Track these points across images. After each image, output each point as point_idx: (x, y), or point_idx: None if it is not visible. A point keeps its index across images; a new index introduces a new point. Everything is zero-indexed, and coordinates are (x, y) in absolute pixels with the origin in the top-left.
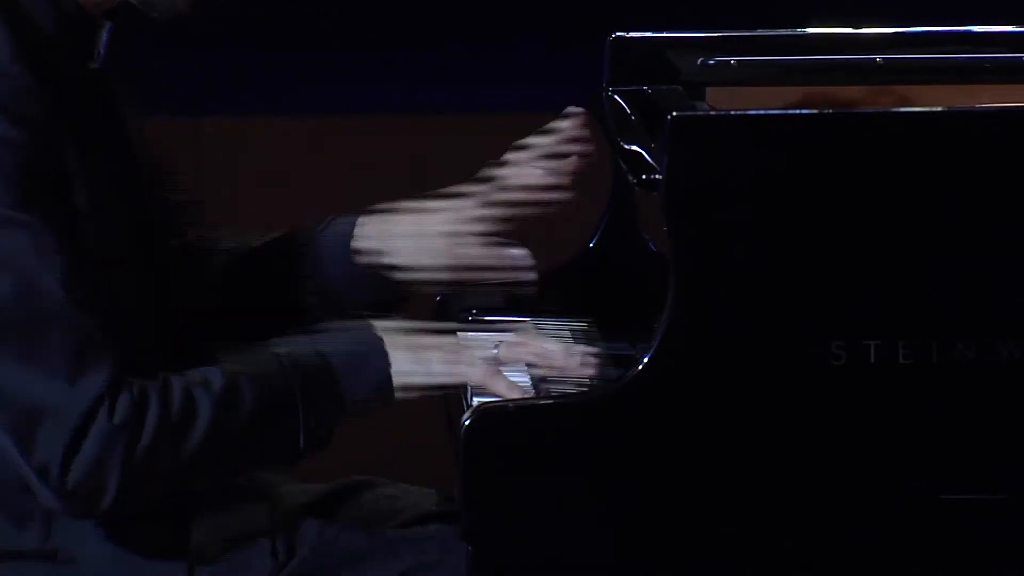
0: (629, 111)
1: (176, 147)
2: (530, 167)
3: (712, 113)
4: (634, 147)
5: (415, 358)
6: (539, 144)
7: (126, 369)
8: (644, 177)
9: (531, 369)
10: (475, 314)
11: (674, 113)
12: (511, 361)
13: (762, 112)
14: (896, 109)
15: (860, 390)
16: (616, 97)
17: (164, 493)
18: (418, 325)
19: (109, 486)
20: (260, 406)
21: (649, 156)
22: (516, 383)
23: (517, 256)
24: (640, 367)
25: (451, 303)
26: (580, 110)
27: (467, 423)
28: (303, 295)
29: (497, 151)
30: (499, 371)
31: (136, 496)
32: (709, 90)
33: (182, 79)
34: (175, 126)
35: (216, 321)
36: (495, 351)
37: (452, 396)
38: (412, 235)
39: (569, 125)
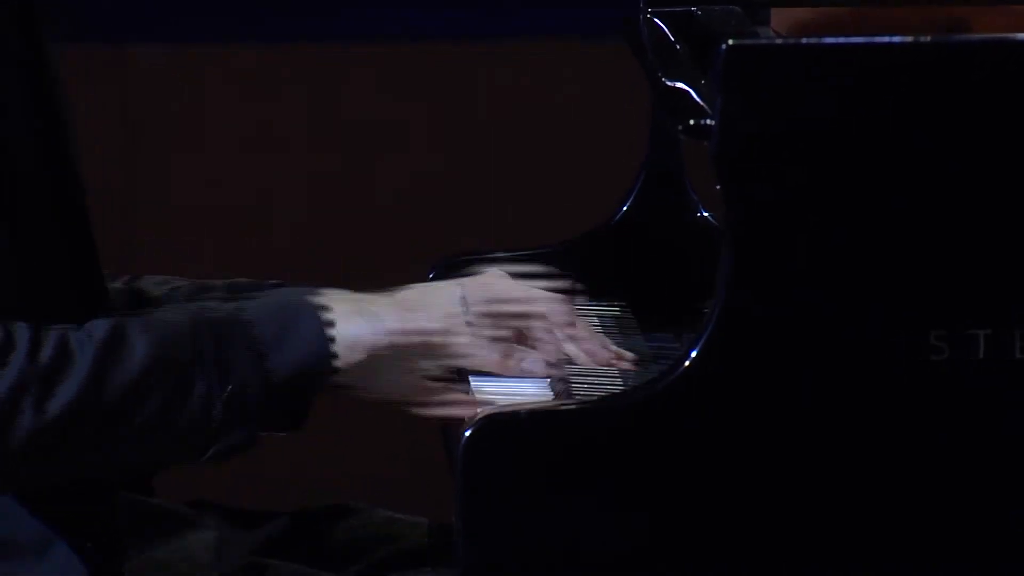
0: (673, 39)
1: (94, 82)
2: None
3: (778, 42)
4: (679, 84)
5: (359, 314)
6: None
7: None
8: (692, 123)
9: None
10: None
11: (730, 41)
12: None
13: (841, 41)
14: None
15: (966, 391)
16: (657, 20)
17: (25, 469)
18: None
19: None
20: (155, 361)
21: (698, 96)
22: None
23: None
24: (688, 362)
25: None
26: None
27: (468, 434)
28: None
29: (509, 86)
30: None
31: None
32: (774, 11)
33: None
34: (93, 55)
35: None
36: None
37: None
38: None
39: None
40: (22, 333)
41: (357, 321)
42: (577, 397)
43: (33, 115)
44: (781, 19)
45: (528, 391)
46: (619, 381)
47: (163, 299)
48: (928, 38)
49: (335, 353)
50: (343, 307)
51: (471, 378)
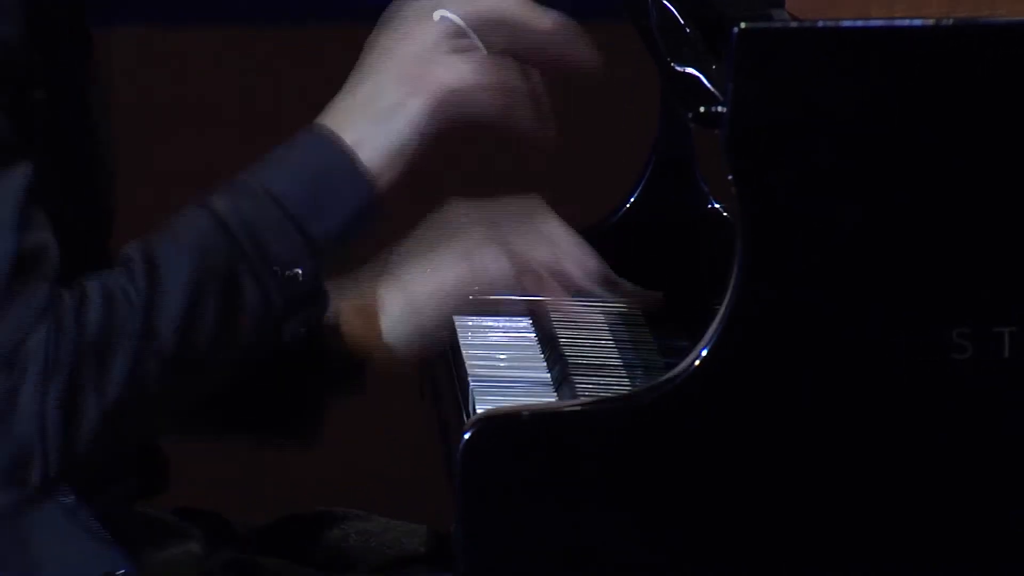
0: (683, 21)
1: None
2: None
3: (793, 25)
4: (689, 70)
5: (385, 113)
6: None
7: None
8: (702, 110)
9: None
10: (477, 292)
11: (742, 24)
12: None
13: (859, 24)
14: None
15: (991, 392)
16: (665, 2)
17: (115, 421)
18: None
19: (31, 362)
20: (199, 276)
21: (709, 82)
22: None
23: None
24: (698, 361)
25: None
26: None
27: (467, 437)
28: None
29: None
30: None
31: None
32: None
33: None
34: None
35: None
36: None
37: (447, 399)
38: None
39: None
40: (70, 295)
41: (383, 146)
42: (581, 397)
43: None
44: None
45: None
46: (626, 381)
47: None
48: (951, 20)
49: (375, 197)
50: (363, 122)
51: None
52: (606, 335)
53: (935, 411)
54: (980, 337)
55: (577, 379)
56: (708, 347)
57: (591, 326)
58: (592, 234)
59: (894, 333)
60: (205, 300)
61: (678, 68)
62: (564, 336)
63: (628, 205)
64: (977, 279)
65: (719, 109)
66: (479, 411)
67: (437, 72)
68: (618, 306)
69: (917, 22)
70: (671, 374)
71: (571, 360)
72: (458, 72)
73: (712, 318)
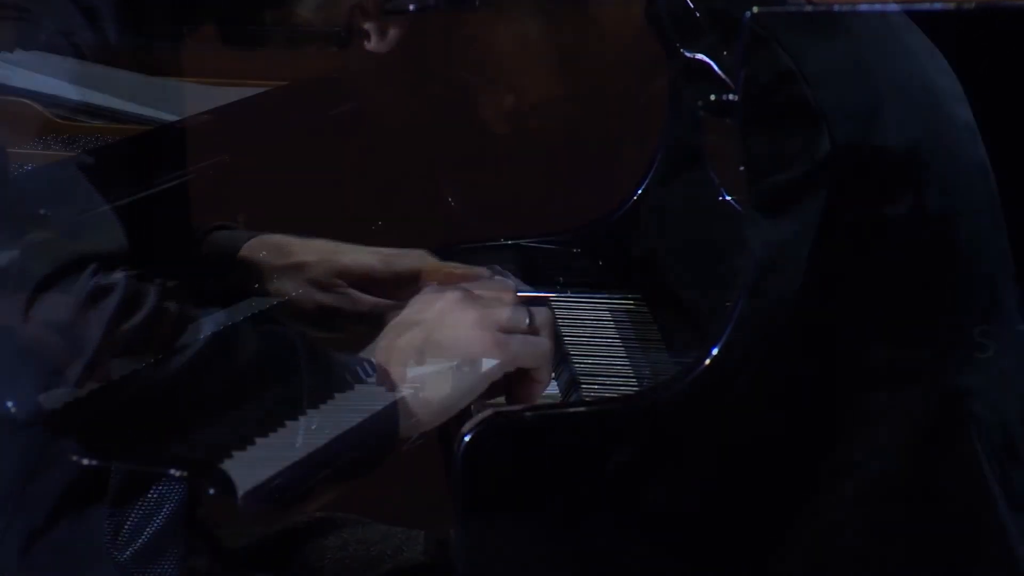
0: (693, 5)
1: None
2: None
3: (807, 9)
4: (699, 56)
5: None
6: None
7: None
8: (713, 97)
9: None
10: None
11: (755, 8)
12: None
13: (876, 7)
14: None
15: (1010, 390)
16: None
17: (122, 405)
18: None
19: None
20: (260, 364)
21: (720, 69)
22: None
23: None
24: (707, 361)
25: None
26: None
27: (468, 439)
28: None
29: None
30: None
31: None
32: None
33: None
34: None
35: None
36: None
37: None
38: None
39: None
40: (154, 287)
41: (444, 391)
42: (586, 398)
43: None
44: None
45: None
46: (632, 382)
47: None
48: (972, 4)
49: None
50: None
51: None
52: (612, 333)
53: (954, 410)
54: (1003, 336)
55: (582, 379)
56: (718, 347)
57: (597, 324)
58: (599, 227)
59: (909, 330)
60: (252, 388)
61: (688, 55)
62: (569, 335)
63: (636, 197)
64: (998, 274)
65: (731, 97)
66: (478, 412)
67: (518, 344)
68: (625, 303)
69: (937, 6)
70: (677, 375)
71: (576, 359)
72: (534, 353)
73: (722, 315)
